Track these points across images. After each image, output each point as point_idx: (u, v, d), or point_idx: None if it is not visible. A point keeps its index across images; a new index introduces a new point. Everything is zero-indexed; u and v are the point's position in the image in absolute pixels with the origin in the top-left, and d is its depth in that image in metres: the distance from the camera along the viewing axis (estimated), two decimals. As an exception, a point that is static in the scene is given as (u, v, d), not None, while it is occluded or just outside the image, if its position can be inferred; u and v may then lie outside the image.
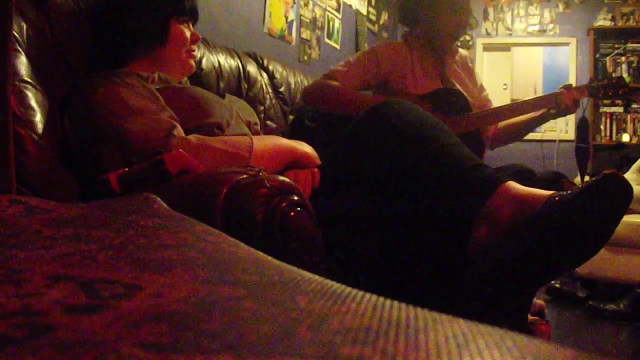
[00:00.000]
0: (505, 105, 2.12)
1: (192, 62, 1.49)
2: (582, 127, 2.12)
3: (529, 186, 1.69)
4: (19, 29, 1.10)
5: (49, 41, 1.18)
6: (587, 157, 2.14)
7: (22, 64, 1.07)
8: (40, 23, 1.17)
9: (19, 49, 1.08)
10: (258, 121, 1.58)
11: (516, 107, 2.07)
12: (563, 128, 5.35)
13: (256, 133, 1.51)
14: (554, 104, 1.99)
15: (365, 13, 4.51)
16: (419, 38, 2.10)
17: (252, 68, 2.16)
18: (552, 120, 2.12)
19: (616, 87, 2.04)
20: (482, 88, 2.24)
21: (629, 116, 5.06)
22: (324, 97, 1.98)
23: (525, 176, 1.74)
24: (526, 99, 2.12)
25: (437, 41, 2.07)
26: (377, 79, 2.06)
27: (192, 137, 1.15)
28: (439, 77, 2.08)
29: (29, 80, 1.07)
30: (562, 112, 2.00)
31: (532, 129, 2.16)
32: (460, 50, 2.23)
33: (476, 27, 2.22)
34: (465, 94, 2.04)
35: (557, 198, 1.01)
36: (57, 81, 1.16)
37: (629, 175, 3.52)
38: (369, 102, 1.90)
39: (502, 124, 2.16)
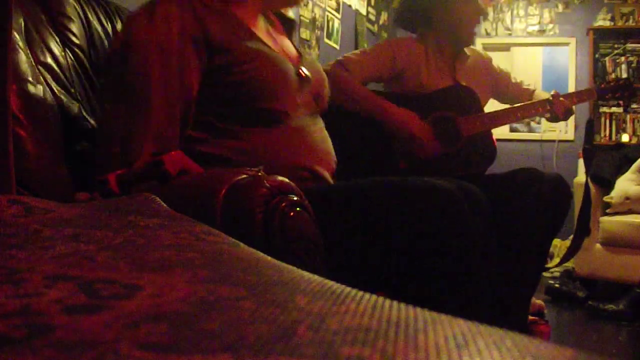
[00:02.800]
0: (510, 107, 2.15)
1: None
2: (588, 129, 2.14)
3: (536, 190, 1.72)
4: (19, 27, 1.09)
5: (51, 38, 1.18)
6: (592, 158, 2.17)
7: (22, 62, 1.07)
8: (41, 20, 1.17)
9: (19, 47, 1.08)
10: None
11: (518, 110, 2.11)
12: (563, 128, 5.35)
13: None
14: (547, 109, 2.02)
15: (364, 13, 4.51)
16: (437, 36, 2.10)
17: (251, 68, 2.15)
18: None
19: (623, 90, 2.07)
20: (516, 83, 2.26)
21: (628, 116, 5.05)
22: (337, 89, 1.97)
23: (534, 179, 1.75)
24: (525, 102, 2.16)
25: (459, 33, 2.07)
26: (391, 73, 2.06)
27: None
28: (451, 76, 2.09)
29: (29, 79, 1.07)
30: (556, 119, 2.03)
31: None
32: (482, 53, 2.24)
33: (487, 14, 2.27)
34: (474, 91, 2.04)
35: None
36: (59, 80, 1.16)
37: (628, 176, 3.52)
38: (379, 104, 1.89)
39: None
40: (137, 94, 1.10)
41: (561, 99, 2.01)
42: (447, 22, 2.06)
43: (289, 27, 1.45)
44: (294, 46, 1.41)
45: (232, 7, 1.24)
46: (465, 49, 2.16)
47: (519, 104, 2.17)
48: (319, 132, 1.33)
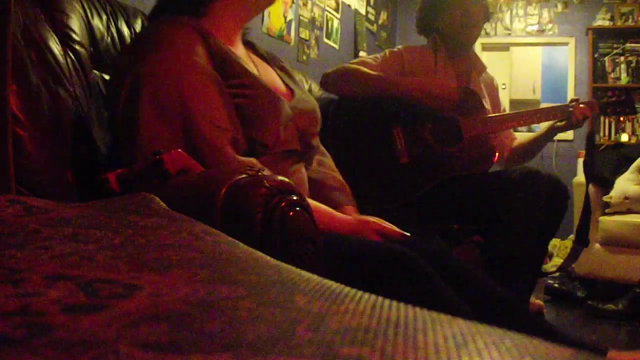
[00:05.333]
0: (519, 112, 2.14)
1: None
2: (590, 141, 2.14)
3: (532, 188, 1.72)
4: (18, 26, 1.09)
5: (50, 36, 1.17)
6: (592, 171, 2.16)
7: (22, 62, 1.07)
8: (40, 18, 1.17)
9: (18, 47, 1.08)
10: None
11: (528, 115, 2.10)
12: (562, 128, 5.36)
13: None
14: (565, 115, 1.99)
15: (364, 13, 4.51)
16: (444, 41, 2.12)
17: (251, 68, 2.15)
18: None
19: (623, 105, 2.07)
20: (503, 112, 2.26)
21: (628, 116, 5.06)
22: (350, 77, 1.97)
23: (530, 177, 1.76)
24: (540, 107, 2.16)
25: (457, 36, 2.08)
26: None
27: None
28: (463, 84, 2.10)
29: (28, 79, 1.07)
30: (571, 126, 2.01)
31: (541, 147, 2.19)
32: (488, 71, 2.25)
33: (494, 12, 2.26)
34: (480, 96, 2.05)
35: None
36: (59, 79, 1.16)
37: (627, 175, 3.52)
38: (395, 80, 1.91)
39: (515, 145, 2.18)
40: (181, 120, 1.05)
41: (570, 109, 2.00)
42: (445, 27, 2.09)
43: (272, 61, 1.40)
44: (282, 80, 1.36)
45: (218, 35, 1.20)
46: (482, 66, 2.18)
47: (522, 110, 2.18)
48: (292, 175, 1.24)
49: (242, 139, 1.11)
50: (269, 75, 1.31)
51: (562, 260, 4.10)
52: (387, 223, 1.23)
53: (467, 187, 1.89)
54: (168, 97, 1.06)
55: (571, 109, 1.97)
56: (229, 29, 1.24)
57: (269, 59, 1.40)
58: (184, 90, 1.06)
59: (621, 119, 4.91)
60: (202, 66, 1.09)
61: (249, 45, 1.37)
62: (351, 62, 2.08)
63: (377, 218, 1.24)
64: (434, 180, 1.88)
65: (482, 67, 2.20)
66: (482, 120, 1.98)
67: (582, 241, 2.04)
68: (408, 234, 1.21)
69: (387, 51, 2.13)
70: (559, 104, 2.10)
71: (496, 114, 2.08)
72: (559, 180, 1.82)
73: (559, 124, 2.03)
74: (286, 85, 1.35)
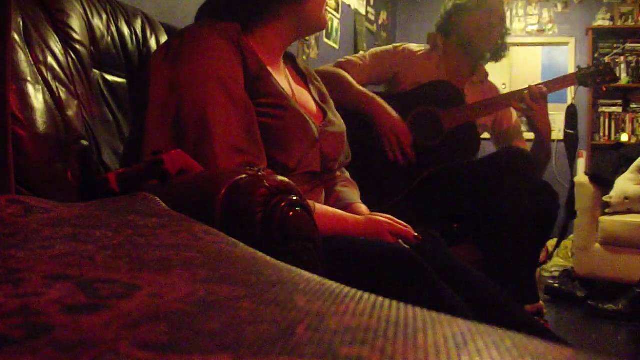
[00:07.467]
0: (487, 99, 2.13)
1: (327, 17, 1.31)
2: (570, 115, 2.13)
3: (523, 171, 1.73)
4: (18, 26, 1.09)
5: (51, 36, 1.17)
6: (576, 145, 2.15)
7: (22, 62, 1.07)
8: (40, 18, 1.17)
9: (18, 46, 1.07)
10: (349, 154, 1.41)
11: (498, 99, 2.11)
12: (562, 128, 5.36)
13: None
14: (526, 94, 1.98)
15: (364, 13, 4.51)
16: (452, 46, 2.11)
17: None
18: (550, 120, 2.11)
19: (603, 74, 2.06)
20: (516, 125, 2.24)
21: (627, 116, 5.05)
22: (332, 85, 1.98)
23: (521, 157, 1.78)
24: (504, 93, 2.17)
25: (475, 48, 2.08)
26: (388, 77, 2.08)
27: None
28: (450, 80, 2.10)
29: (28, 79, 1.07)
30: (532, 109, 1.99)
31: (545, 150, 2.16)
32: (491, 81, 2.25)
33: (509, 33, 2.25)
34: (457, 86, 2.05)
35: None
36: (59, 79, 1.16)
37: (627, 175, 3.53)
38: (369, 97, 1.90)
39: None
40: (199, 127, 1.05)
41: (541, 86, 2.00)
42: (461, 36, 2.08)
43: (309, 78, 1.40)
44: (314, 99, 1.35)
45: (259, 51, 1.19)
46: (484, 73, 2.18)
47: (499, 95, 2.19)
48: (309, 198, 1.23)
49: (264, 160, 1.09)
50: (302, 95, 1.31)
51: (562, 261, 4.10)
52: (398, 221, 1.22)
53: (457, 182, 1.90)
54: (188, 108, 1.05)
55: (527, 91, 1.96)
56: (272, 49, 1.25)
57: (307, 75, 1.39)
58: (207, 104, 1.05)
59: (622, 112, 4.91)
60: (230, 82, 1.08)
61: (290, 60, 1.37)
62: (338, 60, 2.07)
63: (388, 216, 1.23)
64: (421, 174, 1.90)
65: (484, 74, 2.21)
66: (461, 110, 1.99)
67: (569, 213, 2.06)
68: (419, 237, 1.20)
69: (379, 51, 2.13)
70: (516, 90, 2.11)
71: (472, 103, 2.07)
72: (547, 184, 1.85)
73: (525, 118, 2.05)
74: (318, 105, 1.34)
